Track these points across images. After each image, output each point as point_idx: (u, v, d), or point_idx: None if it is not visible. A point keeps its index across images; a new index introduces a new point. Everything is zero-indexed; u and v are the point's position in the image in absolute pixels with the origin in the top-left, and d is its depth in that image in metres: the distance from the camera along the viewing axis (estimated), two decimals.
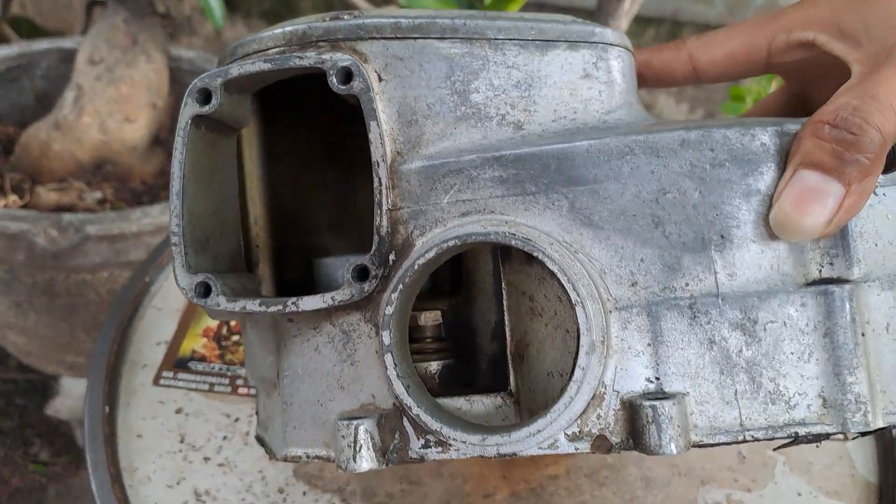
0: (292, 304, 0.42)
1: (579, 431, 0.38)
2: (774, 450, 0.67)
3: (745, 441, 0.38)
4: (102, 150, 1.76)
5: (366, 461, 0.39)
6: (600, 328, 0.38)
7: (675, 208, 0.40)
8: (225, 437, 0.75)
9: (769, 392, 0.38)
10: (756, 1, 1.98)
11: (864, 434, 0.41)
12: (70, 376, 1.79)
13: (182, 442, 0.75)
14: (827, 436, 0.39)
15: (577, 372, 0.37)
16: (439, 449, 0.40)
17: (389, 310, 0.40)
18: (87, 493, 0.67)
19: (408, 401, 0.39)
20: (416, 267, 0.40)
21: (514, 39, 0.42)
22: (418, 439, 0.41)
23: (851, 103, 0.39)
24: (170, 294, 0.92)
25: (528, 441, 0.38)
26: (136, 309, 0.85)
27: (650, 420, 0.36)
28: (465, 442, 0.39)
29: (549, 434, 0.38)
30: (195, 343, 0.84)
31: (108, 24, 1.78)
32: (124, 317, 0.85)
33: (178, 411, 0.78)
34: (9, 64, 1.88)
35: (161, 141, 1.98)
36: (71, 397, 1.79)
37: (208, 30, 2.59)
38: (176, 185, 0.43)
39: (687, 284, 0.40)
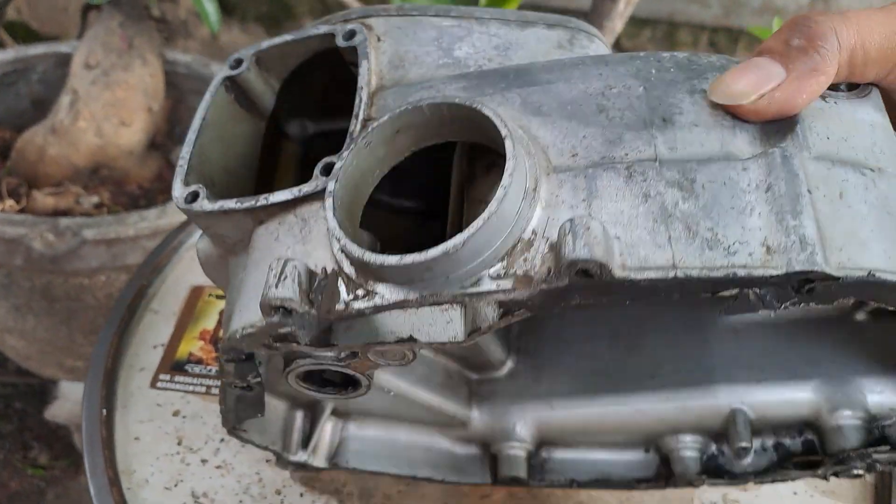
0: (263, 199, 0.45)
1: (504, 272, 0.38)
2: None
3: (676, 279, 0.36)
4: (98, 154, 1.75)
5: (289, 290, 0.39)
6: (532, 175, 0.39)
7: (620, 98, 0.42)
8: (222, 440, 0.75)
9: (706, 239, 0.37)
10: (753, 2, 2.00)
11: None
12: (68, 380, 1.78)
13: (180, 444, 0.75)
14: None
15: (499, 192, 0.37)
16: (365, 297, 0.40)
17: (339, 163, 0.42)
18: (85, 496, 0.67)
19: (337, 233, 0.39)
20: (369, 129, 0.42)
21: (497, 19, 0.48)
22: (348, 294, 0.41)
23: (821, 14, 0.41)
24: (167, 297, 0.92)
25: (452, 281, 0.38)
26: (133, 312, 0.86)
27: (566, 232, 0.36)
28: (387, 279, 0.39)
29: (472, 271, 0.38)
30: (192, 346, 0.84)
31: (104, 27, 1.78)
32: (122, 320, 0.85)
33: (176, 414, 0.78)
34: (5, 69, 1.88)
35: (157, 145, 1.97)
36: (69, 401, 1.79)
37: (204, 34, 2.59)
38: (195, 123, 0.50)
39: (626, 154, 0.40)
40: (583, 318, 0.66)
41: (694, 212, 0.38)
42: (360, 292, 0.40)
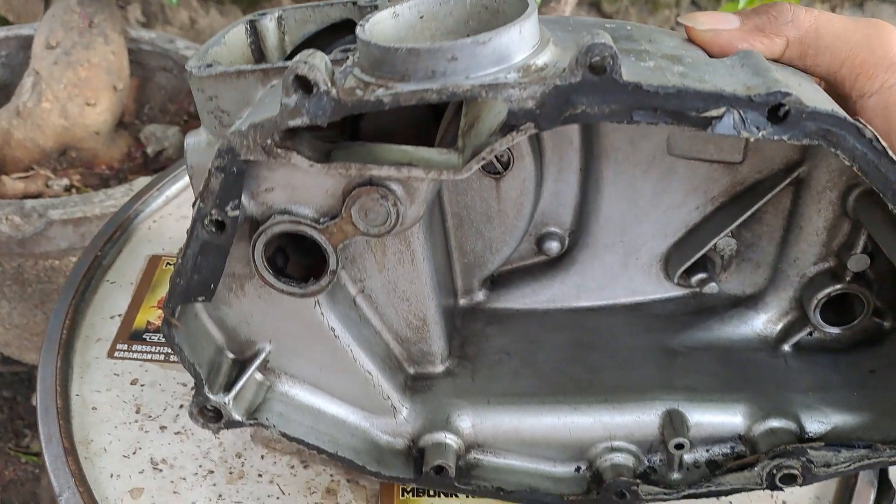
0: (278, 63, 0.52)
1: (521, 72, 0.42)
2: None
3: (675, 88, 0.41)
4: (65, 135, 1.73)
5: (319, 62, 0.41)
6: None
7: None
8: (181, 406, 0.74)
9: (700, 79, 0.43)
10: None
11: None
12: None
13: (138, 412, 0.73)
14: None
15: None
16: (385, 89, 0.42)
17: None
18: None
19: (363, 35, 0.43)
20: None
21: None
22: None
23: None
24: (123, 268, 0.89)
25: (472, 78, 0.41)
26: (88, 284, 0.83)
27: (585, 36, 0.40)
28: (410, 76, 0.42)
29: (492, 71, 0.41)
30: (150, 315, 0.80)
31: (63, 6, 1.73)
32: (76, 292, 0.83)
33: (134, 382, 0.76)
34: None
35: (126, 125, 1.94)
36: None
37: (183, 18, 2.56)
38: (220, 34, 0.55)
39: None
40: (529, 332, 0.67)
41: (688, 71, 0.43)
42: (380, 90, 0.42)
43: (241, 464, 0.67)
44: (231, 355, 0.60)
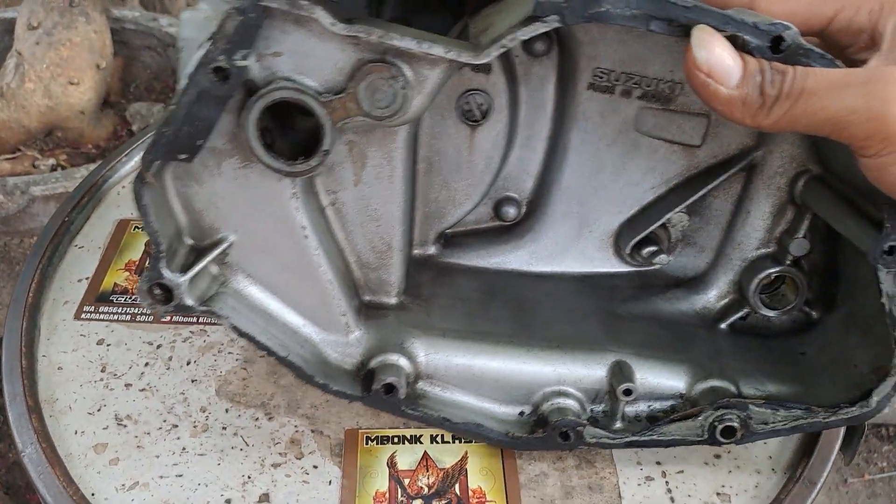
0: None
1: None
2: None
3: None
4: (50, 115, 1.71)
5: None
6: None
7: None
8: (147, 364, 0.73)
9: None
10: None
11: None
12: None
13: (103, 371, 0.73)
14: None
15: None
16: None
17: None
18: None
19: None
20: None
21: None
22: None
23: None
24: (92, 233, 0.89)
25: None
26: (56, 249, 0.83)
27: None
28: None
29: None
30: (117, 277, 0.80)
31: None
32: (43, 256, 0.82)
33: (100, 343, 0.76)
34: None
35: (111, 104, 1.93)
36: None
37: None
38: None
39: None
40: (481, 285, 0.68)
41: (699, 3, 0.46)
42: None
43: (206, 417, 0.67)
44: (190, 241, 0.57)
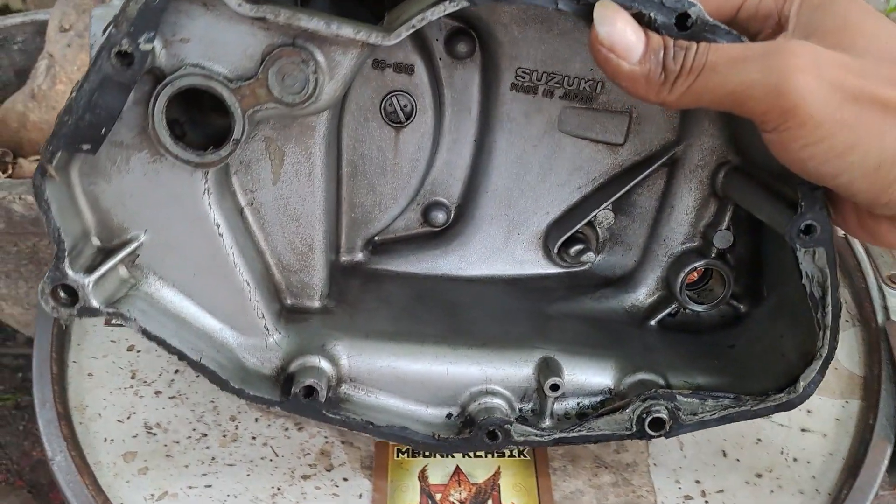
0: None
1: None
2: None
3: None
4: None
5: None
6: None
7: None
8: (177, 371, 0.71)
9: None
10: None
11: None
12: None
13: (133, 378, 0.71)
14: None
15: None
16: None
17: None
18: None
19: None
20: None
21: None
22: None
23: None
24: None
25: None
26: None
27: None
28: None
29: None
30: None
31: None
32: None
33: (130, 349, 0.74)
34: None
35: None
36: None
37: None
38: None
39: None
40: (410, 290, 0.65)
41: None
42: None
43: (235, 427, 0.64)
44: (97, 242, 0.53)
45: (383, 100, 0.62)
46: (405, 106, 0.62)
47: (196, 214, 0.53)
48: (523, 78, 0.60)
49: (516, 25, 0.57)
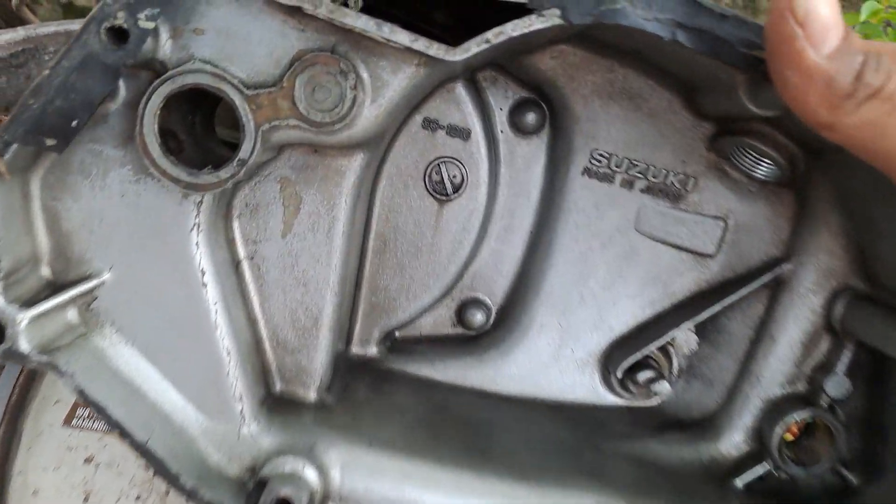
0: None
1: None
2: None
3: None
4: None
5: None
6: None
7: None
8: (138, 498, 0.58)
9: None
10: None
11: None
12: None
13: (86, 501, 0.59)
14: None
15: None
16: None
17: None
18: None
19: None
20: None
21: None
22: None
23: None
24: None
25: None
26: None
27: None
28: None
29: None
30: None
31: None
32: None
33: (88, 460, 0.60)
34: (14, 49, 1.91)
35: None
36: None
37: None
38: None
39: None
40: (430, 400, 0.54)
41: None
42: None
43: None
44: (47, 272, 0.42)
45: (429, 166, 0.52)
46: (454, 177, 0.52)
47: (178, 254, 0.42)
48: (599, 162, 0.50)
49: (598, 99, 0.48)
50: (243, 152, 0.37)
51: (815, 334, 0.49)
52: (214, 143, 0.41)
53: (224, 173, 0.37)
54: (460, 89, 0.50)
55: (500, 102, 0.51)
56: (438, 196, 0.52)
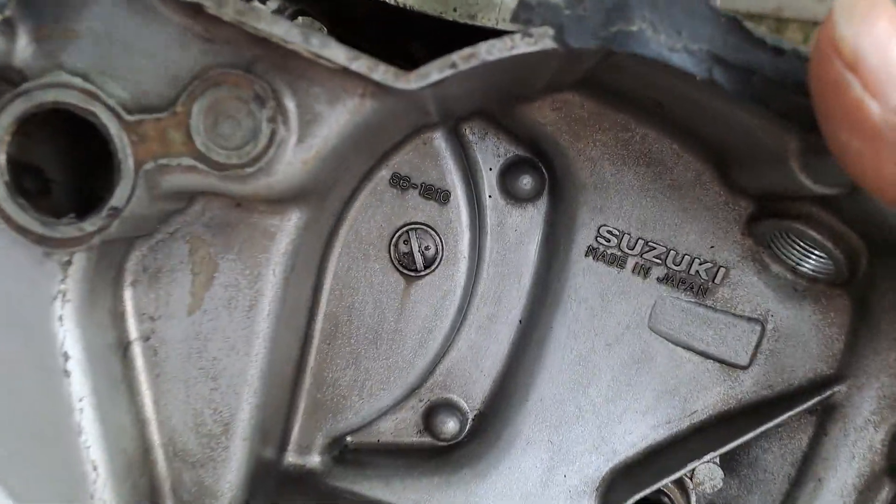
0: None
1: None
2: None
3: None
4: None
5: None
6: None
7: None
8: None
9: None
10: None
11: None
12: None
13: None
14: None
15: None
16: None
17: None
18: None
19: None
20: None
21: None
22: None
23: None
24: None
25: None
26: None
27: None
28: None
29: None
30: None
31: None
32: None
33: None
34: None
35: None
36: None
37: None
38: None
39: None
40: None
41: None
42: None
43: None
44: None
45: (396, 233, 0.43)
46: (427, 248, 0.43)
47: (33, 331, 0.32)
48: (608, 242, 0.42)
49: (609, 163, 0.40)
50: (117, 198, 0.28)
51: (875, 479, 0.40)
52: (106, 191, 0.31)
53: (89, 225, 0.28)
54: (439, 141, 0.41)
55: (490, 161, 0.42)
56: (406, 271, 0.43)
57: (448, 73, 0.27)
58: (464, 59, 0.27)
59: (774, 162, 0.33)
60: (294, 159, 0.29)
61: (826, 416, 0.40)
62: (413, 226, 0.42)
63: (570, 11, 0.26)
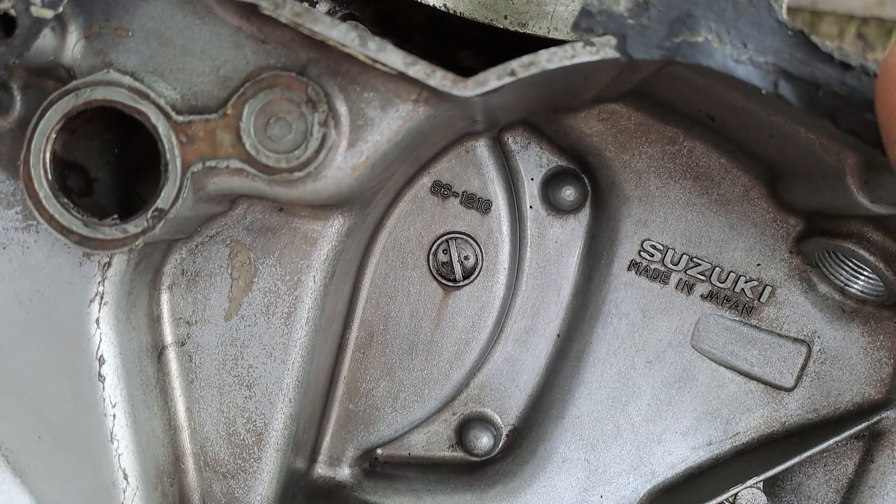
0: None
1: None
2: None
3: None
4: None
5: None
6: None
7: None
8: None
9: None
10: None
11: None
12: None
13: None
14: None
15: None
16: None
17: None
18: None
19: None
20: None
21: None
22: None
23: None
24: None
25: None
26: None
27: None
28: None
29: None
30: None
31: None
32: None
33: None
34: None
35: None
36: None
37: None
38: None
39: None
40: None
41: None
42: None
43: None
44: None
45: (436, 242, 0.42)
46: (466, 258, 0.42)
47: (69, 334, 0.31)
48: (651, 256, 0.41)
49: (655, 176, 0.39)
50: (163, 200, 0.27)
51: None
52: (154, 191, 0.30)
53: (133, 227, 0.27)
54: (482, 149, 0.39)
55: (532, 171, 0.41)
56: (444, 281, 0.42)
57: (507, 80, 0.26)
58: (523, 66, 0.26)
59: (830, 179, 0.32)
60: (344, 164, 0.28)
61: (873, 442, 0.39)
62: (453, 235, 0.41)
63: (634, 21, 0.25)
